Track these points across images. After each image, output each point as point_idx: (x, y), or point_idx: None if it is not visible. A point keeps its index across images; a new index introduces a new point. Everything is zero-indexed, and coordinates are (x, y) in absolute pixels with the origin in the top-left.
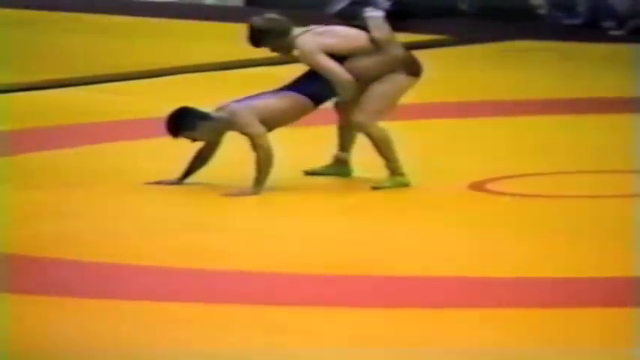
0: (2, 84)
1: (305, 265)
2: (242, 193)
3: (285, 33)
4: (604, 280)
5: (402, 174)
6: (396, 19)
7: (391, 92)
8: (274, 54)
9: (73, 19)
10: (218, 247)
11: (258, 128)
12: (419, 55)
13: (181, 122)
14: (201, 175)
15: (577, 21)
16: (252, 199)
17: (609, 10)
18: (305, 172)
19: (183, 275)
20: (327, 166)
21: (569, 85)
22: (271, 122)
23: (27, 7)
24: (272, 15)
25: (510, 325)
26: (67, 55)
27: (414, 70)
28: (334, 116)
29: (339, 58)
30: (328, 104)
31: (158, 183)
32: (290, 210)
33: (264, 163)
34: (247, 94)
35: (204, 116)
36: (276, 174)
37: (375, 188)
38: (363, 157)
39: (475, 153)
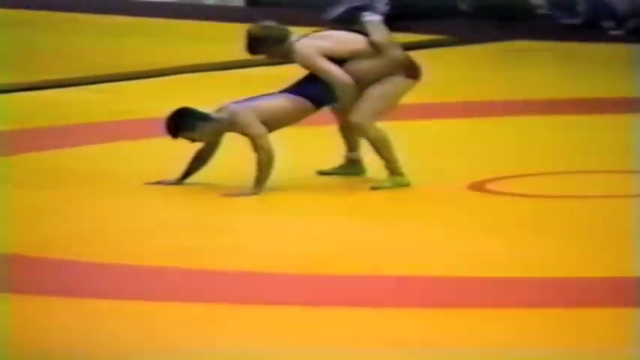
0: (2, 84)
1: (305, 265)
2: (242, 193)
3: (282, 40)
4: (604, 280)
5: (401, 174)
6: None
7: (390, 93)
8: (270, 59)
9: (73, 19)
10: (218, 247)
11: (259, 129)
12: (419, 55)
13: (181, 123)
14: (201, 175)
15: (577, 21)
16: (252, 200)
17: (609, 10)
18: (318, 172)
19: (183, 275)
20: (340, 167)
21: (569, 85)
22: (272, 124)
23: (27, 7)
24: (269, 23)
25: (510, 325)
26: (67, 55)
27: (413, 72)
28: (334, 117)
29: (339, 61)
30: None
31: (158, 183)
32: (290, 210)
33: (264, 163)
34: (247, 94)
35: (203, 117)
36: (276, 174)
37: (374, 188)
38: (363, 157)
39: (475, 153)
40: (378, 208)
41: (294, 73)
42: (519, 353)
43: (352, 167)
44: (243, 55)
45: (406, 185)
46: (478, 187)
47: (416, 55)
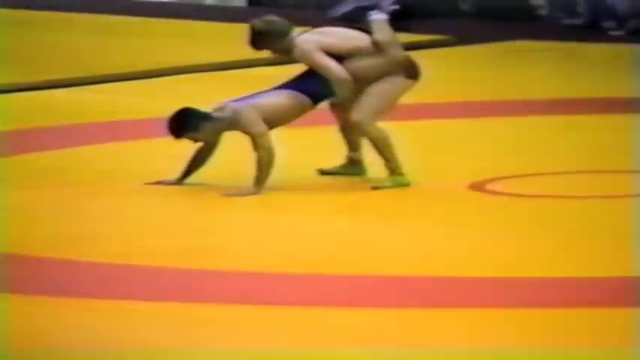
0: (2, 84)
1: (305, 265)
2: (242, 193)
3: (284, 34)
4: (604, 280)
5: (401, 173)
6: (401, 20)
7: (389, 93)
8: (273, 55)
9: (73, 19)
10: (218, 247)
11: (261, 128)
12: (420, 55)
13: (184, 123)
14: (200, 175)
15: (577, 21)
16: (252, 199)
17: (609, 11)
18: (319, 171)
19: (183, 275)
20: (341, 166)
21: (569, 85)
22: (272, 121)
23: (27, 7)
24: (272, 17)
25: (510, 325)
26: (67, 55)
27: (412, 73)
28: (334, 117)
29: (339, 58)
30: (325, 106)
31: (158, 183)
32: (290, 210)
33: (265, 163)
34: (245, 95)
35: (206, 117)
36: (276, 174)
37: (375, 188)
38: (364, 157)
39: (475, 153)
40: (378, 207)
41: (294, 73)
42: (519, 353)
43: (353, 167)
44: (244, 55)
45: (406, 185)
46: (478, 187)
47: (417, 55)
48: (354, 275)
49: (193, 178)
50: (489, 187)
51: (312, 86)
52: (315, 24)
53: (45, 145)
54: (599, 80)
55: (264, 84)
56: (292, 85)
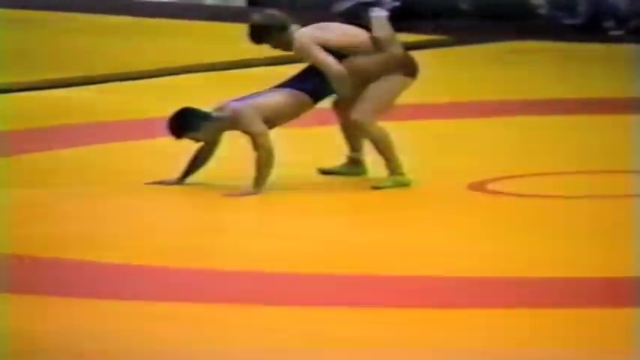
0: (2, 84)
1: (305, 265)
2: (242, 193)
3: (284, 28)
4: (604, 280)
5: (402, 173)
6: (401, 19)
7: (389, 92)
8: (274, 54)
9: (73, 19)
10: (218, 247)
11: (260, 127)
12: (419, 54)
13: (185, 123)
14: (200, 175)
15: (577, 21)
16: (252, 199)
17: (609, 10)
18: (320, 170)
19: (183, 275)
20: (342, 166)
21: (569, 85)
22: (273, 120)
23: (27, 7)
24: (271, 11)
25: (510, 325)
26: (67, 55)
27: (410, 71)
28: (334, 117)
29: (338, 56)
30: (326, 105)
31: (158, 183)
32: (290, 210)
33: (264, 162)
34: (245, 94)
35: (206, 116)
36: (276, 174)
37: (375, 188)
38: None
39: (475, 153)
40: (378, 207)
41: (294, 72)
42: (519, 353)
43: (354, 167)
44: (244, 55)
45: (407, 185)
46: (478, 187)
47: (417, 55)
48: (354, 275)
49: (193, 177)
50: (489, 187)
51: (311, 84)
52: (316, 22)
53: (45, 145)
54: (599, 80)
55: (264, 84)
56: (292, 83)
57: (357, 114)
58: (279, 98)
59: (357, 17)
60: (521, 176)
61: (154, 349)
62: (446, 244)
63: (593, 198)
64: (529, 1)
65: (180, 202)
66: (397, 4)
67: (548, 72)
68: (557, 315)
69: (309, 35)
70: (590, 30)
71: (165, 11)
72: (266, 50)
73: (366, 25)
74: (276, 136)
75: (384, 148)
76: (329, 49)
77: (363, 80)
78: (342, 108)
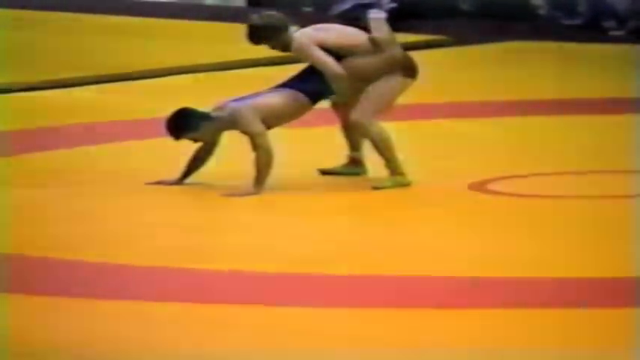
0: (2, 84)
1: (305, 265)
2: (242, 193)
3: (282, 29)
4: (604, 280)
5: (402, 173)
6: (399, 18)
7: (388, 92)
8: (274, 54)
9: (74, 19)
10: (218, 248)
11: (259, 127)
12: (419, 55)
13: (183, 123)
14: (200, 175)
15: (577, 21)
16: (252, 199)
17: (609, 11)
18: (320, 170)
19: (182, 275)
20: (342, 166)
21: (569, 85)
22: (271, 120)
23: (27, 7)
24: (270, 12)
25: (510, 325)
26: (68, 55)
27: (410, 71)
28: (334, 118)
29: (337, 57)
30: (326, 105)
31: (158, 183)
32: (290, 210)
33: (263, 163)
34: (244, 95)
35: (205, 117)
36: (276, 174)
37: (375, 188)
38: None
39: (475, 153)
40: (378, 207)
41: (294, 73)
42: (519, 353)
43: (354, 167)
44: (244, 55)
45: (407, 185)
46: (478, 187)
47: (417, 56)
48: (354, 275)
49: (193, 178)
50: (489, 187)
51: (310, 85)
52: (316, 23)
53: (45, 145)
54: (599, 80)
55: (264, 84)
56: (291, 84)
57: (357, 114)
58: (278, 99)
59: (355, 19)
60: (521, 176)
61: (154, 349)
62: (446, 244)
63: (593, 198)
64: (529, 1)
65: (180, 202)
66: (395, 5)
67: (548, 72)
68: (557, 315)
69: (307, 35)
70: (590, 30)
71: (165, 11)
72: (266, 51)
73: (364, 27)
74: (276, 136)
75: (383, 149)
76: (328, 50)
77: (362, 81)
78: (342, 108)
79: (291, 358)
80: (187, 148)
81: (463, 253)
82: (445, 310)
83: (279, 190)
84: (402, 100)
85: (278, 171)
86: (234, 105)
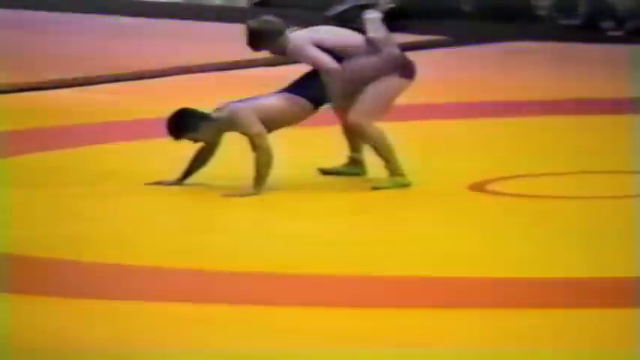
0: (2, 84)
1: (305, 265)
2: (242, 193)
3: (280, 33)
4: (604, 280)
5: (401, 174)
6: (395, 19)
7: (386, 93)
8: (272, 55)
9: (73, 19)
10: (218, 248)
11: (258, 128)
12: (419, 55)
13: (184, 124)
14: (200, 175)
15: (576, 22)
16: (252, 200)
17: (609, 11)
18: (320, 170)
19: (183, 275)
20: (342, 166)
21: (569, 85)
22: (271, 123)
23: (27, 7)
24: (268, 17)
25: (510, 325)
26: (67, 55)
27: (408, 72)
28: (335, 118)
29: (338, 59)
30: (326, 106)
31: (158, 183)
32: (290, 210)
33: (263, 163)
34: (247, 95)
35: (205, 117)
36: (276, 174)
37: (375, 188)
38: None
39: (475, 153)
40: (378, 208)
41: (295, 74)
42: (519, 353)
43: (354, 167)
44: (244, 55)
45: (406, 185)
46: (478, 187)
47: (416, 56)
48: (354, 275)
49: (193, 178)
50: (489, 187)
51: (312, 90)
52: (316, 24)
53: (45, 145)
54: (599, 80)
55: (264, 84)
56: (293, 89)
57: (355, 115)
58: (279, 103)
59: (350, 20)
60: (521, 176)
61: (154, 349)
62: (446, 244)
63: (593, 198)
64: (529, 1)
65: (180, 203)
66: (393, 5)
67: (548, 72)
68: (557, 315)
69: (304, 36)
70: (590, 31)
71: (165, 11)
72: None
73: (360, 29)
74: (276, 136)
75: (382, 150)
76: (328, 51)
77: (360, 82)
78: (343, 109)
79: (291, 358)
80: (188, 148)
81: (463, 254)
82: (445, 310)
83: (279, 190)
84: (401, 100)
85: (278, 171)
86: (234, 106)
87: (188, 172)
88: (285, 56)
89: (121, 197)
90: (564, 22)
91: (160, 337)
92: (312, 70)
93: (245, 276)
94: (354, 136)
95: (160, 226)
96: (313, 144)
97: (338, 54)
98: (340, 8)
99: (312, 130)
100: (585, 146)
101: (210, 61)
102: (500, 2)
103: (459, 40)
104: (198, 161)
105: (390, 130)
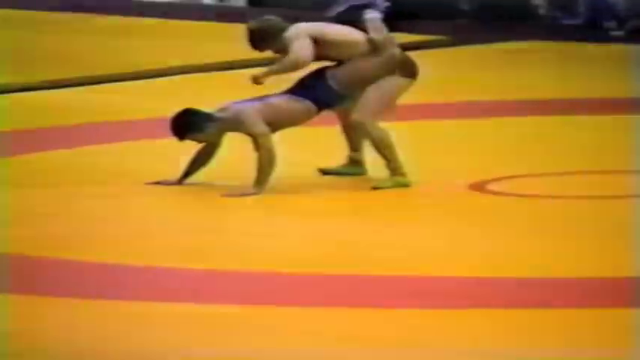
0: (2, 84)
1: (305, 265)
2: (243, 193)
3: (280, 32)
4: (604, 280)
5: (402, 174)
6: (393, 19)
7: (389, 93)
8: (275, 54)
9: (74, 19)
10: (218, 247)
11: (262, 128)
12: (419, 55)
13: (188, 124)
14: (200, 175)
15: (577, 21)
16: (252, 199)
17: (609, 11)
18: (320, 170)
19: (183, 275)
20: (342, 166)
21: (569, 86)
22: (275, 124)
23: (27, 7)
24: (268, 16)
25: (510, 325)
26: (67, 55)
27: (410, 71)
28: (335, 118)
29: (338, 61)
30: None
31: (158, 183)
32: (290, 210)
33: (266, 163)
34: (248, 95)
35: (209, 117)
36: (277, 174)
37: (375, 188)
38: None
39: (475, 153)
40: (378, 207)
41: (294, 74)
42: (519, 353)
43: (354, 167)
44: (244, 55)
45: (407, 185)
46: (478, 187)
47: (417, 56)
48: (354, 275)
49: (193, 178)
50: (489, 187)
51: (317, 93)
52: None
53: (45, 145)
54: (599, 80)
55: (265, 84)
56: (297, 90)
57: (358, 115)
58: (283, 104)
59: (349, 21)
60: (521, 176)
61: (154, 349)
62: (446, 244)
63: (593, 198)
64: (529, 1)
65: (180, 202)
66: (389, 4)
67: (548, 72)
68: (557, 315)
69: (302, 28)
70: (590, 30)
71: (165, 11)
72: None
73: (360, 28)
74: (276, 136)
75: (384, 149)
76: (328, 53)
77: (363, 82)
78: (342, 109)
79: (291, 358)
80: (188, 148)
81: (463, 253)
82: (445, 310)
83: (280, 190)
84: (402, 100)
85: (278, 171)
86: (237, 106)
87: (188, 172)
88: (286, 54)
89: (121, 198)
90: (565, 21)
91: (160, 337)
92: (316, 70)
93: (245, 276)
94: (354, 135)
95: (161, 226)
96: (313, 144)
97: (337, 55)
98: (337, 9)
99: (312, 130)
100: (585, 146)
101: (210, 60)
102: (500, 2)
103: (458, 40)
104: (199, 161)
105: (390, 129)
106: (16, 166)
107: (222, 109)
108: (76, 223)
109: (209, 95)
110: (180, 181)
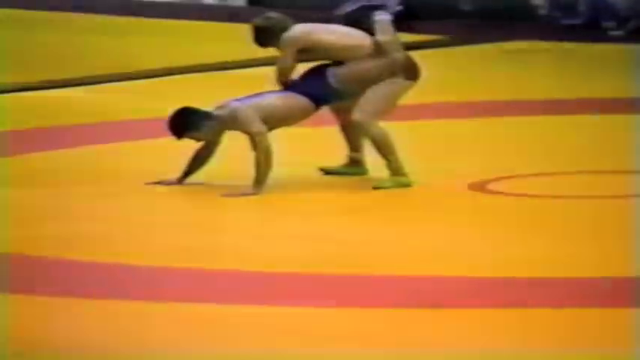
0: (2, 84)
1: (305, 265)
2: (242, 193)
3: (284, 29)
4: (604, 280)
5: (403, 174)
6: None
7: (390, 94)
8: (274, 54)
9: (73, 19)
10: (218, 247)
11: (258, 127)
12: (420, 55)
13: (185, 123)
14: (201, 175)
15: (577, 21)
16: (252, 200)
17: (609, 11)
18: (321, 169)
19: (183, 275)
20: (343, 166)
21: (569, 86)
22: (272, 122)
23: (27, 7)
24: (272, 14)
25: (510, 325)
26: (67, 55)
27: (412, 74)
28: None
29: (340, 61)
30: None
31: (158, 183)
32: (290, 210)
33: (262, 162)
34: (248, 94)
35: (207, 116)
36: (277, 174)
37: (375, 188)
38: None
39: (475, 153)
40: (379, 207)
41: (294, 73)
42: (519, 353)
43: (355, 167)
44: (244, 55)
45: (407, 185)
46: (478, 187)
47: (417, 55)
48: (354, 275)
49: (193, 178)
50: (489, 187)
51: (314, 90)
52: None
53: (44, 145)
54: (599, 80)
55: (264, 84)
56: (294, 87)
57: (358, 115)
58: (281, 101)
59: (359, 21)
60: (521, 176)
61: (154, 349)
62: (446, 244)
63: (593, 198)
64: (529, 1)
65: (180, 202)
66: (401, 7)
67: (548, 72)
68: (556, 315)
69: (299, 32)
70: (590, 30)
71: (165, 11)
72: (266, 50)
73: (368, 29)
74: (276, 135)
75: (384, 149)
76: (328, 53)
77: (364, 83)
78: (341, 109)
79: (290, 358)
80: (188, 148)
81: (463, 253)
82: (445, 310)
83: (279, 190)
84: (402, 100)
85: (278, 171)
86: (235, 104)
87: (188, 172)
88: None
89: (121, 197)
90: (565, 21)
91: (161, 337)
92: (314, 67)
93: (245, 276)
94: (353, 135)
95: (160, 226)
96: (314, 144)
97: (337, 57)
98: (349, 8)
99: (312, 130)
100: (585, 146)
101: (210, 60)
102: (500, 2)
103: (458, 40)
104: (198, 161)
105: (390, 129)
106: (16, 166)
107: (220, 107)
108: (76, 223)
109: (209, 95)
110: (180, 181)
